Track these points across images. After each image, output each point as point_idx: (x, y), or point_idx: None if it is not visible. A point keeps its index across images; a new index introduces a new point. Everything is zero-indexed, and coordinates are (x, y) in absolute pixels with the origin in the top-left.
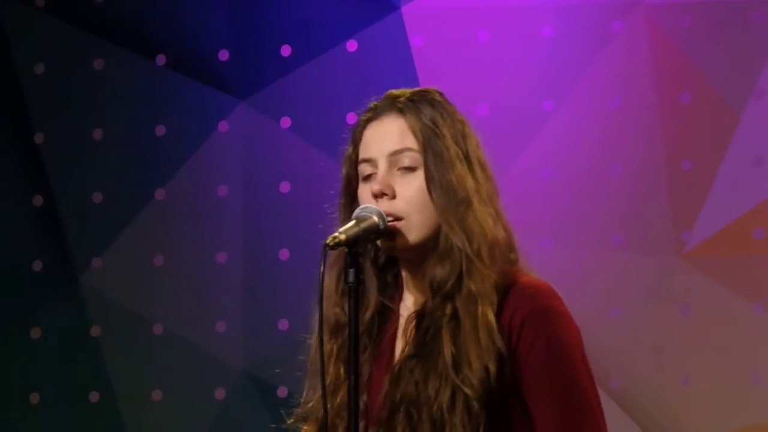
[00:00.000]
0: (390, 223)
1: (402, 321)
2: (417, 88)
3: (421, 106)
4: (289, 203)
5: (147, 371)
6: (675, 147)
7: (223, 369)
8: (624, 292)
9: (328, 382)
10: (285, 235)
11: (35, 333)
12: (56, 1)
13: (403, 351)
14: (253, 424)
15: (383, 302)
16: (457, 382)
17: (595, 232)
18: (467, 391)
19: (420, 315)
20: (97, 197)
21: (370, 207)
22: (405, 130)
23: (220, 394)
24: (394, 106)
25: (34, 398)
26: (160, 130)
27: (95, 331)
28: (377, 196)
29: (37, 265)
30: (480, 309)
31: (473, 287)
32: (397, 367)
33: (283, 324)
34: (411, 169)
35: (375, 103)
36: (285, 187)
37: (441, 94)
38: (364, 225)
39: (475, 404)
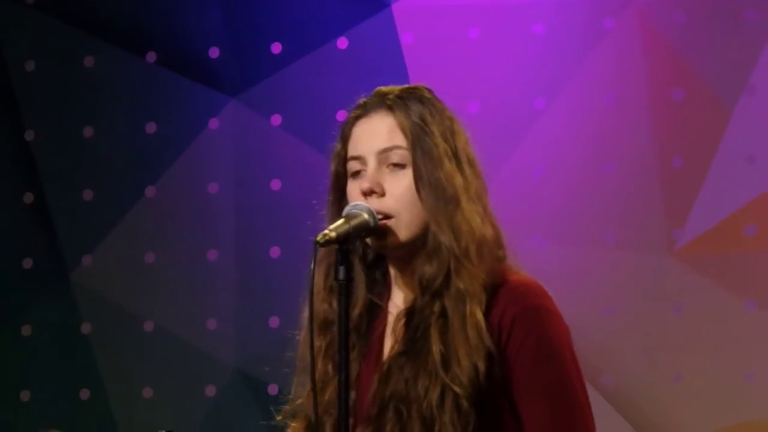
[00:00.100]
0: (380, 221)
1: (391, 318)
2: (406, 85)
3: (411, 104)
4: (280, 201)
5: (138, 369)
6: (667, 144)
7: (215, 366)
8: (616, 290)
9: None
10: (276, 233)
11: (26, 330)
12: None
13: (392, 349)
14: (244, 422)
15: (372, 299)
16: (446, 380)
17: (588, 230)
18: (456, 389)
19: (409, 313)
20: (88, 194)
21: (360, 204)
22: (394, 128)
23: (210, 391)
24: (383, 103)
25: (25, 396)
26: (151, 128)
27: (86, 328)
28: (367, 193)
29: (28, 263)
30: (468, 308)
31: (461, 286)
32: (386, 365)
33: (274, 321)
34: (400, 167)
35: (364, 99)
36: (276, 184)
37: (430, 90)
38: (354, 223)
39: (465, 402)
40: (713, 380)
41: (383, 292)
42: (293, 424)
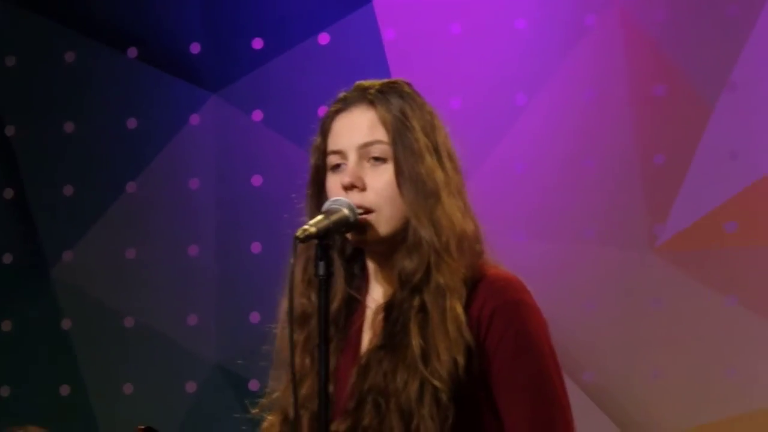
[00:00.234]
0: (360, 216)
1: (369, 313)
2: (386, 80)
3: (391, 98)
4: (261, 196)
5: (118, 364)
6: (648, 141)
7: (195, 362)
8: (597, 286)
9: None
10: (257, 228)
11: (6, 326)
12: None
13: (370, 342)
14: (225, 417)
15: (350, 293)
16: (425, 374)
17: (569, 226)
18: (436, 383)
19: (388, 307)
20: (68, 190)
21: (340, 200)
22: (375, 122)
23: (191, 387)
24: (364, 97)
25: (5, 391)
26: (132, 123)
27: (66, 324)
28: (348, 188)
29: (8, 258)
30: (449, 302)
31: (441, 281)
32: (365, 358)
33: (255, 317)
34: (381, 161)
35: (344, 93)
36: (257, 180)
37: (410, 85)
38: (334, 218)
39: (444, 396)
40: (695, 376)
41: (361, 286)
42: (269, 418)
